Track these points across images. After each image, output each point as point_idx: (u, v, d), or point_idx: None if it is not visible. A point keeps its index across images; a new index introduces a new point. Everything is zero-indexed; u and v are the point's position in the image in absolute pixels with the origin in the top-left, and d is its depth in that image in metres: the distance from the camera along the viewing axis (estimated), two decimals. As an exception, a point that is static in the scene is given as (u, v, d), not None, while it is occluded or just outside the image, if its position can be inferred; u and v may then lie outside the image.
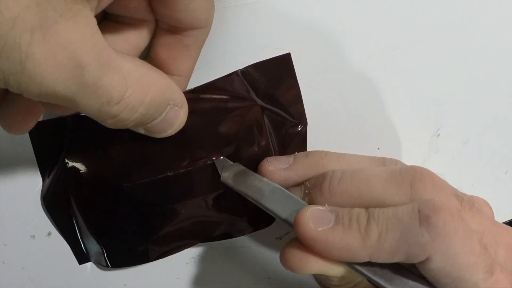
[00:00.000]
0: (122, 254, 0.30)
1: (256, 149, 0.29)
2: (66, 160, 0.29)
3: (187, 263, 0.32)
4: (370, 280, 0.23)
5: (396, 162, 0.27)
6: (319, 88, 0.30)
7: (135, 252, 0.30)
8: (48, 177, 0.29)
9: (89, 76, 0.18)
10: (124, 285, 0.31)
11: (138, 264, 0.31)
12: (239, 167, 0.27)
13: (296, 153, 0.28)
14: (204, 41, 0.25)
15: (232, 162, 0.28)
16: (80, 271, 0.31)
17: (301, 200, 0.25)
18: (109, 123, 0.21)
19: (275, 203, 0.25)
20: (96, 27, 0.19)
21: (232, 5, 0.28)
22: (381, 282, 0.23)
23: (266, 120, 0.29)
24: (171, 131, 0.25)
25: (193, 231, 0.30)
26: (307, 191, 0.26)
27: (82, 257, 0.31)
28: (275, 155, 0.29)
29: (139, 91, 0.21)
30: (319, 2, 0.29)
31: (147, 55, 0.25)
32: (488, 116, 0.32)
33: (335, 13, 0.29)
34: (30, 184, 0.30)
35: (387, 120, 0.31)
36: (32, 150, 0.29)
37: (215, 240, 0.31)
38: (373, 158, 0.27)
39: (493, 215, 0.26)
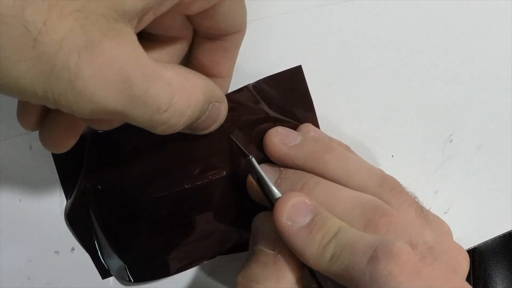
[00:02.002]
0: (144, 269, 0.31)
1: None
2: (85, 178, 0.29)
3: (209, 275, 0.32)
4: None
5: (395, 183, 0.27)
6: (331, 98, 0.30)
7: (156, 266, 0.31)
8: (71, 195, 0.30)
9: (137, 89, 0.19)
10: (147, 298, 0.32)
11: (159, 278, 0.31)
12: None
13: (306, 134, 0.28)
14: (241, 42, 0.25)
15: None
16: (103, 285, 0.31)
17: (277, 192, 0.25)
18: (160, 130, 0.21)
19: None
20: (137, 43, 0.19)
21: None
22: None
23: None
24: (215, 126, 0.26)
25: (213, 243, 0.31)
26: (279, 181, 0.26)
27: (105, 272, 0.31)
28: None
29: (185, 96, 0.21)
30: (327, 16, 0.30)
31: (188, 61, 0.26)
32: (500, 121, 0.33)
33: (343, 24, 0.30)
34: (53, 201, 0.30)
35: (400, 127, 0.32)
36: (55, 168, 0.30)
37: (237, 252, 0.31)
38: (373, 172, 0.27)
39: (466, 270, 0.26)
